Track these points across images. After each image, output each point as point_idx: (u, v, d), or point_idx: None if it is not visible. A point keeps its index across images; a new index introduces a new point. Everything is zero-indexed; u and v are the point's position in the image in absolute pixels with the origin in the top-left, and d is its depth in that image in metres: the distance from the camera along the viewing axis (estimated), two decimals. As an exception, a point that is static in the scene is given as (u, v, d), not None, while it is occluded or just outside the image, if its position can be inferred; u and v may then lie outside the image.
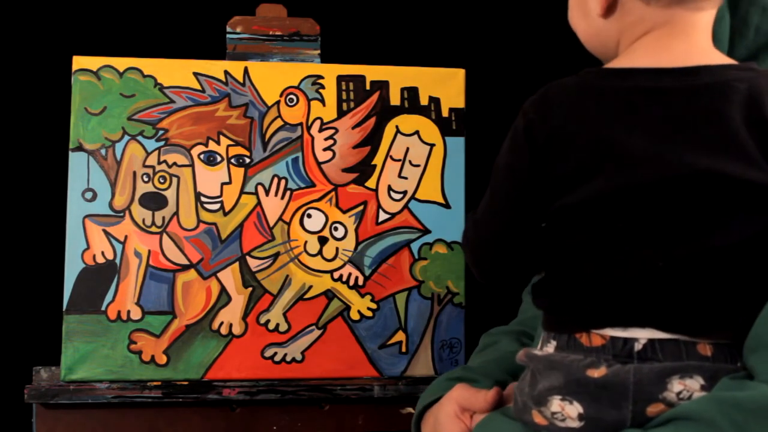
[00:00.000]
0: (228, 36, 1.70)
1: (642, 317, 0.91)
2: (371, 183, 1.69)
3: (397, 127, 1.70)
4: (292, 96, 1.68)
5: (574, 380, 0.91)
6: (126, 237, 1.62)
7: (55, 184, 1.69)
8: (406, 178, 1.70)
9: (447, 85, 1.72)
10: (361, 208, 1.68)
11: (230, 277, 1.64)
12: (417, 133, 1.71)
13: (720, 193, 0.91)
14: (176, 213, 1.64)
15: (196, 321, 1.62)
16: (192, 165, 1.65)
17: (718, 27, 1.05)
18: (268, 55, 1.70)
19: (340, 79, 1.70)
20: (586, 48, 1.08)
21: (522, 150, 0.96)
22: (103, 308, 1.60)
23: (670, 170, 0.91)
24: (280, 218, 1.66)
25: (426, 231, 1.70)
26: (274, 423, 1.62)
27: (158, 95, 1.65)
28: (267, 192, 1.66)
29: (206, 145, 1.65)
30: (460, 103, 1.72)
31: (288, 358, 1.64)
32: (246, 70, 1.67)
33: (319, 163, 1.68)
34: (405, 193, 1.70)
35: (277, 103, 1.68)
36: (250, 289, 1.64)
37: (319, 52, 1.71)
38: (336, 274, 1.67)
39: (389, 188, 1.69)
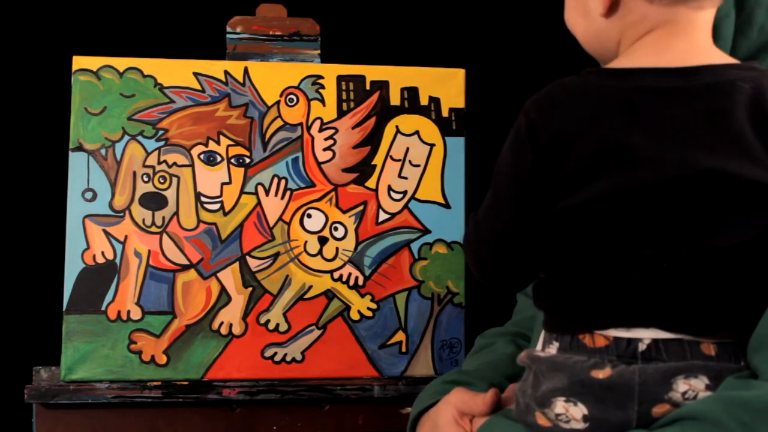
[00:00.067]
0: (228, 36, 1.70)
1: (646, 317, 0.91)
2: (371, 183, 1.69)
3: (397, 127, 1.70)
4: (292, 96, 1.68)
5: (578, 381, 0.91)
6: (126, 237, 1.62)
7: (55, 184, 1.69)
8: (406, 178, 1.70)
9: (447, 85, 1.72)
10: (361, 208, 1.68)
11: (230, 277, 1.64)
12: (417, 133, 1.71)
13: (725, 193, 0.91)
14: (176, 213, 1.64)
15: (196, 321, 1.62)
16: (192, 165, 1.65)
17: (723, 25, 1.04)
18: (268, 55, 1.70)
19: (340, 79, 1.70)
20: (584, 48, 1.07)
21: (525, 151, 0.96)
22: (103, 308, 1.60)
23: (675, 170, 0.91)
24: (280, 218, 1.66)
25: (426, 231, 1.70)
26: (274, 423, 1.62)
27: (158, 95, 1.65)
28: (267, 192, 1.66)
29: (206, 145, 1.65)
30: (460, 103, 1.72)
31: (288, 358, 1.64)
32: (246, 70, 1.67)
33: (319, 163, 1.68)
34: (405, 193, 1.70)
35: (277, 103, 1.68)
36: (250, 289, 1.64)
37: (319, 52, 1.71)
38: (336, 274, 1.67)
39: (389, 188, 1.69)
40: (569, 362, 0.92)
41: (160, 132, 1.64)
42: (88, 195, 1.62)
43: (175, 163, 1.64)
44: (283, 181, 1.67)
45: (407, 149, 1.70)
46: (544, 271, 0.99)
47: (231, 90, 1.67)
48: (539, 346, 1.05)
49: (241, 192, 1.66)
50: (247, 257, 1.65)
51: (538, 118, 0.95)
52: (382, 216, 1.69)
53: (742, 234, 0.91)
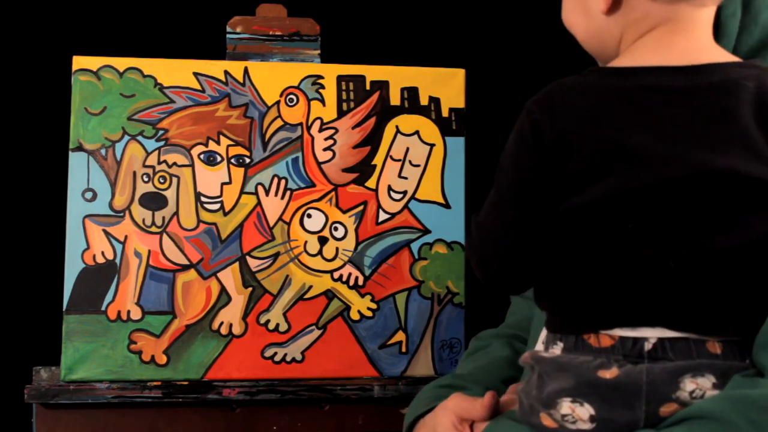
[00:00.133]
0: (228, 36, 1.70)
1: (651, 316, 0.91)
2: (371, 183, 1.69)
3: (397, 127, 1.70)
4: (292, 96, 1.68)
5: (585, 382, 0.90)
6: (126, 237, 1.62)
7: (55, 184, 1.69)
8: (406, 178, 1.70)
9: (447, 85, 1.72)
10: (361, 208, 1.68)
11: (230, 277, 1.64)
12: (417, 133, 1.71)
13: (730, 192, 0.90)
14: (176, 213, 1.64)
15: (196, 321, 1.62)
16: (192, 165, 1.65)
17: (729, 23, 1.04)
18: (268, 55, 1.70)
19: (340, 79, 1.70)
20: (583, 47, 1.06)
21: (529, 151, 0.95)
22: (103, 308, 1.60)
23: (680, 170, 0.90)
24: (280, 218, 1.66)
25: (426, 231, 1.70)
26: (274, 423, 1.62)
27: (158, 95, 1.65)
28: (267, 192, 1.66)
29: (206, 145, 1.65)
30: (460, 103, 1.72)
31: (288, 358, 1.64)
32: (246, 70, 1.67)
33: (319, 163, 1.68)
34: (405, 193, 1.70)
35: (277, 103, 1.68)
36: (250, 289, 1.64)
37: (319, 52, 1.71)
38: (336, 274, 1.67)
39: (389, 188, 1.69)
40: (575, 362, 0.92)
41: (160, 132, 1.64)
42: (88, 195, 1.62)
43: (175, 163, 1.64)
44: (283, 181, 1.67)
45: (407, 149, 1.70)
46: (547, 271, 0.98)
47: (231, 90, 1.67)
48: (539, 346, 1.05)
49: (241, 192, 1.66)
50: (247, 257, 1.65)
51: (541, 118, 0.95)
52: (382, 216, 1.69)
53: (748, 232, 0.91)
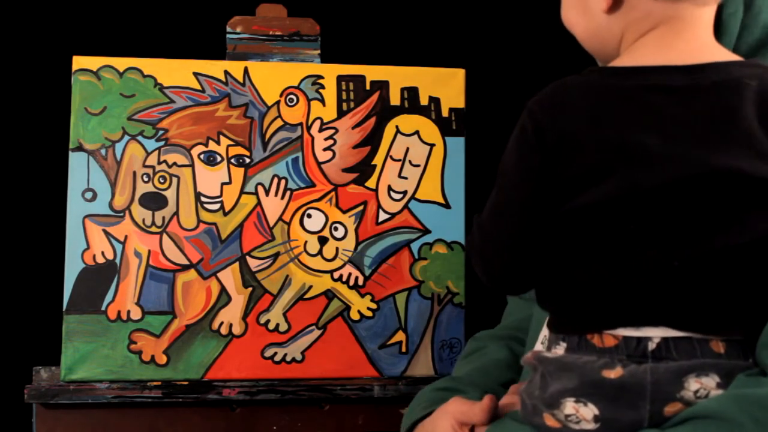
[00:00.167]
0: (228, 36, 1.70)
1: (655, 316, 0.90)
2: (371, 183, 1.69)
3: (397, 127, 1.70)
4: (292, 96, 1.68)
5: (589, 382, 0.90)
6: (126, 237, 1.62)
7: (55, 184, 1.69)
8: (406, 178, 1.70)
9: (447, 85, 1.72)
10: (361, 208, 1.68)
11: (230, 277, 1.64)
12: (417, 133, 1.71)
13: (735, 191, 0.90)
14: (176, 213, 1.64)
15: (196, 321, 1.62)
16: (192, 165, 1.65)
17: (730, 22, 1.04)
18: (268, 55, 1.70)
19: (340, 79, 1.70)
20: (583, 46, 1.06)
21: (531, 152, 0.94)
22: (103, 308, 1.60)
23: (684, 169, 0.90)
24: (280, 218, 1.66)
25: (426, 231, 1.70)
26: (274, 423, 1.62)
27: (158, 95, 1.65)
28: (267, 192, 1.66)
29: (206, 145, 1.65)
30: (460, 103, 1.72)
31: (288, 358, 1.64)
32: (246, 70, 1.67)
33: (319, 163, 1.68)
34: (405, 193, 1.70)
35: (277, 103, 1.68)
36: (250, 289, 1.64)
37: (319, 52, 1.71)
38: (336, 274, 1.66)
39: (389, 188, 1.69)
40: (579, 362, 0.92)
41: (160, 132, 1.64)
42: (88, 195, 1.62)
43: (175, 163, 1.64)
44: (283, 181, 1.67)
45: (407, 149, 1.70)
46: (550, 271, 0.98)
47: (231, 90, 1.67)
48: (538, 346, 1.05)
49: (241, 192, 1.66)
50: (247, 257, 1.65)
51: (544, 119, 0.94)
52: (382, 216, 1.69)
53: (753, 232, 0.90)
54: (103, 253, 1.61)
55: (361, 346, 1.66)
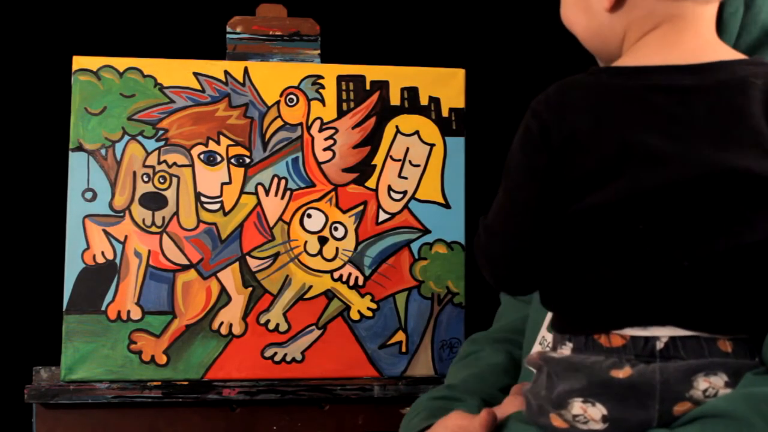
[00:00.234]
0: (228, 36, 1.70)
1: (663, 315, 0.90)
2: (371, 183, 1.69)
3: (397, 127, 1.70)
4: (292, 96, 1.68)
5: (597, 382, 0.90)
6: (126, 237, 1.62)
7: (55, 184, 1.69)
8: (406, 178, 1.70)
9: (447, 85, 1.72)
10: (361, 208, 1.68)
11: (230, 277, 1.64)
12: (417, 133, 1.71)
13: (743, 191, 0.90)
14: (176, 213, 1.64)
15: (196, 321, 1.62)
16: (192, 165, 1.65)
17: (731, 21, 1.04)
18: (268, 55, 1.70)
19: (340, 79, 1.70)
20: (584, 45, 1.05)
21: (537, 152, 0.94)
22: (103, 308, 1.60)
23: (693, 169, 0.90)
24: (280, 218, 1.66)
25: (426, 231, 1.70)
26: (274, 423, 1.62)
27: (158, 95, 1.65)
28: (267, 192, 1.66)
29: (206, 145, 1.65)
30: (460, 103, 1.72)
31: (288, 358, 1.64)
32: (246, 70, 1.67)
33: (319, 163, 1.68)
34: (405, 193, 1.70)
35: (277, 103, 1.68)
36: (250, 289, 1.64)
37: (319, 52, 1.71)
38: (336, 274, 1.66)
39: (389, 188, 1.69)
40: (587, 362, 0.91)
41: (160, 132, 1.64)
42: (88, 195, 1.62)
43: (175, 163, 1.64)
44: (283, 181, 1.67)
45: (407, 149, 1.70)
46: (556, 272, 0.97)
47: (231, 90, 1.67)
48: (536, 347, 1.04)
49: (241, 192, 1.66)
50: (247, 257, 1.65)
51: (549, 119, 0.93)
52: (382, 216, 1.69)
53: (761, 231, 0.90)
54: (103, 253, 1.61)
55: (361, 346, 1.66)
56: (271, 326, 1.64)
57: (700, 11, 0.96)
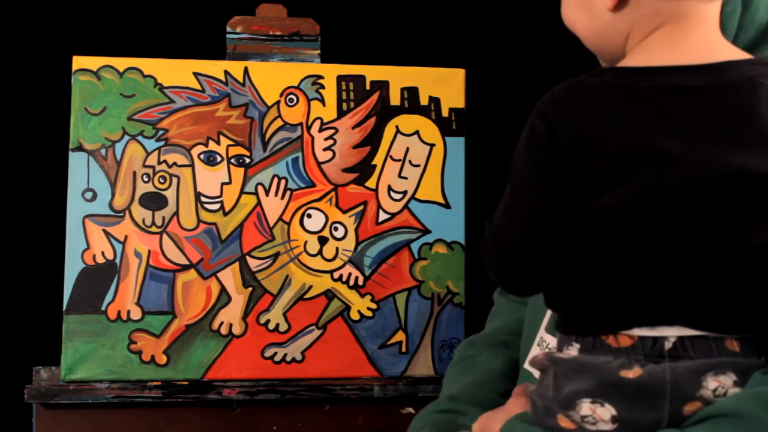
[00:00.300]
0: (228, 36, 1.70)
1: (671, 315, 0.90)
2: (371, 183, 1.69)
3: (397, 127, 1.70)
4: (292, 96, 1.68)
5: (607, 382, 0.90)
6: (126, 237, 1.62)
7: (55, 184, 1.69)
8: (406, 178, 1.70)
9: (447, 85, 1.72)
10: (361, 208, 1.68)
11: (230, 277, 1.64)
12: (417, 133, 1.71)
13: (751, 192, 0.90)
14: (176, 213, 1.64)
15: (196, 321, 1.62)
16: (192, 165, 1.65)
17: (729, 20, 1.03)
18: (268, 55, 1.70)
19: (340, 79, 1.70)
20: (586, 45, 1.04)
21: (544, 153, 0.93)
22: (103, 308, 1.60)
23: (701, 171, 0.89)
24: (280, 218, 1.66)
25: (426, 231, 1.70)
26: (274, 423, 1.62)
27: (158, 95, 1.65)
28: (267, 192, 1.66)
29: (206, 145, 1.65)
30: (460, 103, 1.72)
31: (288, 358, 1.64)
32: (246, 70, 1.67)
33: (319, 163, 1.68)
34: (405, 193, 1.70)
35: (277, 103, 1.68)
36: (250, 289, 1.64)
37: (319, 52, 1.71)
38: (336, 274, 1.66)
39: (389, 188, 1.69)
40: (596, 363, 0.91)
41: (160, 132, 1.64)
42: (88, 195, 1.62)
43: (175, 163, 1.64)
44: (283, 181, 1.67)
45: (407, 149, 1.70)
46: (563, 273, 0.97)
47: (231, 90, 1.67)
48: (536, 349, 1.04)
49: (241, 192, 1.66)
50: (247, 257, 1.65)
51: (557, 119, 0.92)
52: (382, 216, 1.69)
53: None
54: (103, 253, 1.61)
55: (361, 346, 1.66)
56: (271, 326, 1.64)
57: (705, 10, 0.95)
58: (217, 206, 1.65)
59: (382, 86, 1.70)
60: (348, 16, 1.97)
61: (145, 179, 1.63)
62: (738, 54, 0.97)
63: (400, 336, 1.68)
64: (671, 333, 0.90)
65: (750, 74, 0.93)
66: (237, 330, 1.63)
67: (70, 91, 1.63)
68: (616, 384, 0.89)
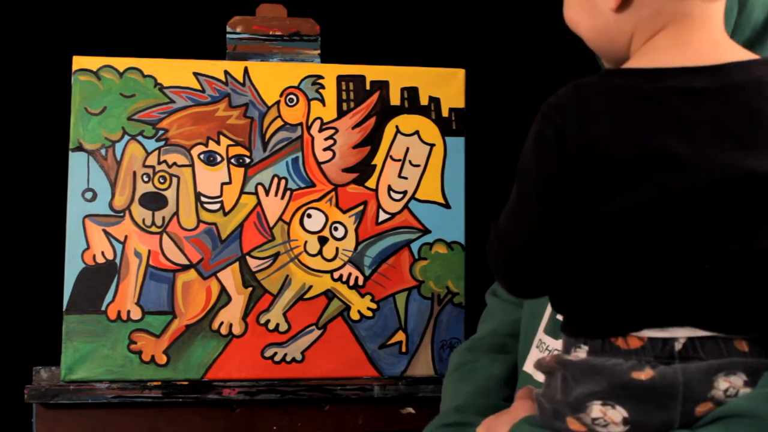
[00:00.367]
0: (228, 36, 1.70)
1: (681, 316, 0.90)
2: (371, 183, 1.69)
3: (397, 127, 1.70)
4: (292, 96, 1.68)
5: (619, 384, 0.89)
6: (126, 237, 1.62)
7: (55, 184, 1.69)
8: (406, 178, 1.70)
9: (447, 85, 1.72)
10: (361, 208, 1.68)
11: (230, 277, 1.64)
12: (417, 133, 1.71)
13: (761, 193, 0.89)
14: (176, 213, 1.64)
15: (196, 321, 1.62)
16: (192, 165, 1.65)
17: (727, 19, 1.03)
18: (268, 55, 1.70)
19: (340, 79, 1.70)
20: (588, 46, 1.03)
21: (553, 158, 0.92)
22: (103, 308, 1.60)
23: (710, 173, 0.88)
24: (280, 218, 1.66)
25: (426, 231, 1.70)
26: (274, 423, 1.62)
27: (158, 95, 1.65)
28: (267, 192, 1.66)
29: (206, 145, 1.65)
30: (460, 103, 1.72)
31: (288, 358, 1.64)
32: (246, 70, 1.67)
33: (319, 163, 1.68)
34: (405, 193, 1.70)
35: (277, 103, 1.68)
36: (250, 289, 1.64)
37: (319, 52, 1.71)
38: (336, 274, 1.66)
39: (389, 188, 1.69)
40: (607, 365, 0.90)
41: (160, 132, 1.64)
42: (88, 195, 1.62)
43: (175, 163, 1.64)
44: (283, 181, 1.67)
45: (407, 149, 1.70)
46: (571, 276, 0.96)
47: (231, 90, 1.67)
48: (534, 351, 1.03)
49: (241, 192, 1.66)
50: (247, 257, 1.65)
51: (564, 124, 0.91)
52: (382, 216, 1.69)
53: None
54: (103, 253, 1.61)
55: (361, 346, 1.66)
56: (271, 326, 1.64)
57: (709, 10, 0.94)
58: (217, 206, 1.65)
59: (382, 86, 1.70)
60: (348, 16, 1.97)
61: (145, 179, 1.63)
62: (744, 54, 0.96)
63: (400, 336, 1.68)
64: (681, 334, 0.90)
65: (758, 75, 0.92)
66: (237, 330, 1.63)
67: (70, 91, 1.63)
68: (627, 386, 0.89)
